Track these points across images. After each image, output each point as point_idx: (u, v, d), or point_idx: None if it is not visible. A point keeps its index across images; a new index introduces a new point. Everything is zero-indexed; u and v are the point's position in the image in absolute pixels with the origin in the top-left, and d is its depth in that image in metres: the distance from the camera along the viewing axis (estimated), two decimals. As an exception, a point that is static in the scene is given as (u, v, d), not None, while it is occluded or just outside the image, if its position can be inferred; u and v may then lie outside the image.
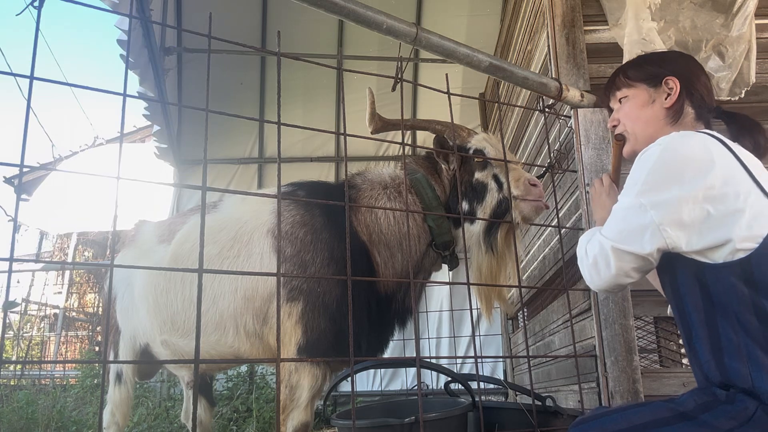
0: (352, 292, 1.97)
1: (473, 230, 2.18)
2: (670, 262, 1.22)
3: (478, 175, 2.18)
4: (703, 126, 1.41)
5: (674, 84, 1.42)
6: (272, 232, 2.12)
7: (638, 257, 1.21)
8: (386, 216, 2.14)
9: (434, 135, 2.27)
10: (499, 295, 2.25)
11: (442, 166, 2.26)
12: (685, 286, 1.20)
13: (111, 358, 2.61)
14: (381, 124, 2.23)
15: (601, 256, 1.26)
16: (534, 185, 2.08)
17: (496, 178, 2.15)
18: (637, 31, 2.14)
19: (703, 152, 1.18)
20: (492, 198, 2.13)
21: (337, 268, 2.01)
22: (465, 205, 2.17)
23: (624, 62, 1.60)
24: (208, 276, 2.19)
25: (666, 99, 1.42)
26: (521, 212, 2.07)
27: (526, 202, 2.06)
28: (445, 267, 2.31)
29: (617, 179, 1.61)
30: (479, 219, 2.14)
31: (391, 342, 2.27)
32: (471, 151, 2.19)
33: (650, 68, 1.48)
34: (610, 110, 1.59)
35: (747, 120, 1.39)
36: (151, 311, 2.40)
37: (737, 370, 1.10)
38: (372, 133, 2.20)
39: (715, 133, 1.27)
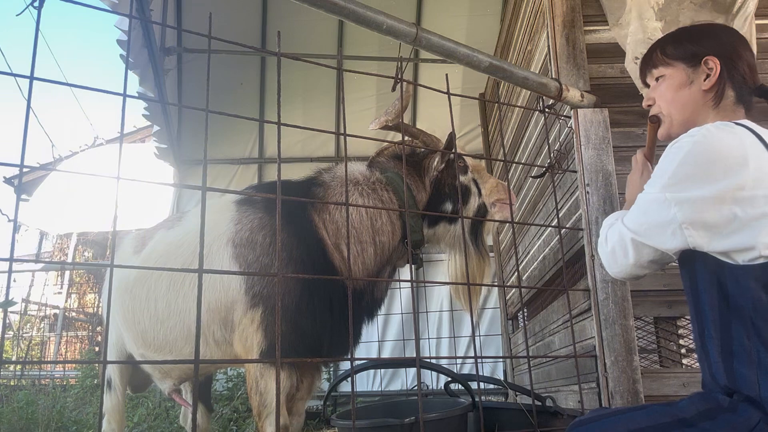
0: (310, 290, 2.00)
1: (455, 230, 2.24)
2: (691, 257, 1.18)
3: (461, 178, 2.27)
4: (743, 109, 1.33)
5: (714, 64, 1.32)
6: (232, 242, 2.09)
7: (656, 251, 1.19)
8: (358, 211, 2.13)
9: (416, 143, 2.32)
10: (480, 292, 2.39)
11: (429, 164, 2.28)
12: (703, 283, 1.17)
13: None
14: (392, 124, 2.25)
15: (620, 246, 1.25)
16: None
17: (475, 183, 2.29)
18: (642, 31, 2.13)
19: (736, 149, 1.12)
20: (474, 201, 2.27)
21: (295, 268, 2.00)
22: (449, 206, 2.24)
23: (663, 36, 1.49)
24: (173, 292, 2.22)
25: (705, 81, 1.32)
26: (503, 214, 2.26)
27: (506, 206, 2.24)
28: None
29: (652, 157, 1.55)
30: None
31: (361, 337, 2.31)
32: (452, 156, 2.24)
33: (690, 46, 1.38)
34: (646, 85, 1.51)
35: None
36: (124, 326, 2.42)
37: (746, 376, 1.07)
38: (387, 123, 2.19)
39: (754, 126, 1.20)
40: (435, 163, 2.25)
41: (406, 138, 2.22)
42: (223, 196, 2.42)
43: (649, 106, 1.47)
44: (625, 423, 1.15)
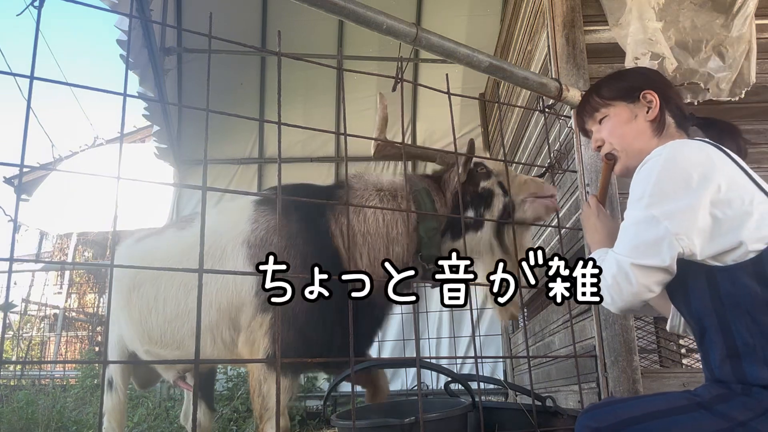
0: (321, 301, 1.96)
1: (482, 236, 2.14)
2: (680, 269, 1.20)
3: (483, 183, 2.18)
4: (684, 134, 1.43)
5: (652, 96, 1.43)
6: (248, 242, 2.07)
7: (659, 270, 1.18)
8: (375, 218, 2.09)
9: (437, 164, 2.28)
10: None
11: (450, 177, 2.21)
12: (696, 291, 1.20)
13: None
14: (382, 147, 2.14)
15: (621, 275, 1.21)
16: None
17: (501, 185, 2.17)
18: (642, 31, 2.13)
19: (704, 158, 1.19)
20: (499, 202, 2.14)
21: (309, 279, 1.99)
22: (470, 213, 2.15)
23: (591, 85, 1.61)
24: (182, 292, 2.23)
25: (648, 112, 1.43)
26: (535, 211, 2.10)
27: (539, 200, 2.10)
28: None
29: (604, 199, 1.62)
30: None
31: (373, 343, 2.27)
32: (472, 164, 2.18)
33: (623, 85, 1.49)
34: (585, 132, 1.60)
35: (727, 124, 1.43)
36: (129, 324, 2.43)
37: (757, 374, 1.10)
38: (374, 155, 2.15)
39: (707, 139, 1.29)
40: (455, 176, 2.16)
41: (412, 147, 2.20)
42: (236, 197, 2.42)
43: (599, 147, 1.54)
44: (642, 406, 1.17)
